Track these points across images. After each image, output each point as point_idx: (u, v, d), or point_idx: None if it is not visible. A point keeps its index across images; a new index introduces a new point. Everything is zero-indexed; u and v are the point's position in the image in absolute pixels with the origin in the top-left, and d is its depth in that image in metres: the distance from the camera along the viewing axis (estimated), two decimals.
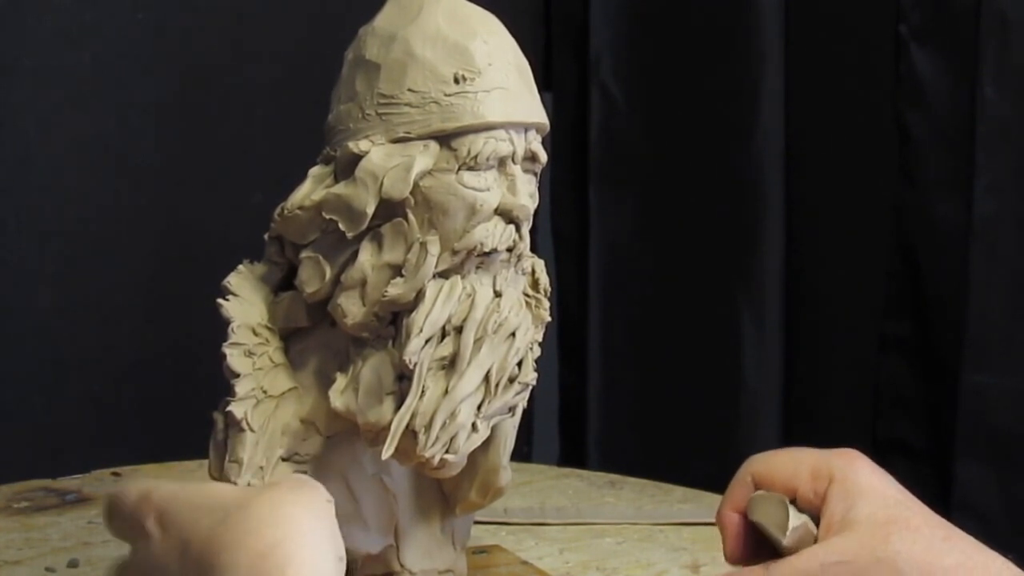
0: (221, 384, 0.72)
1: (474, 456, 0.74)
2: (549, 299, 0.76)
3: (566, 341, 1.60)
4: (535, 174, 0.72)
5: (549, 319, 0.76)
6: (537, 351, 0.74)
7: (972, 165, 1.33)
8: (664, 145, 1.53)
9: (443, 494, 0.79)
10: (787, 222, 1.48)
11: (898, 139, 1.39)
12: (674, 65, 1.52)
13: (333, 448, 0.74)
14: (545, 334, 0.76)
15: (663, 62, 1.52)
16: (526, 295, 0.75)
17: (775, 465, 0.72)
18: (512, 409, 0.73)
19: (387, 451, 0.67)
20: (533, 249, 0.77)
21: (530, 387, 0.73)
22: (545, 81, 1.56)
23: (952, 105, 1.36)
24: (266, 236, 0.74)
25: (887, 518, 0.67)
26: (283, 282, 0.75)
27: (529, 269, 0.75)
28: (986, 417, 1.35)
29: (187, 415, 0.85)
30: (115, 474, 1.07)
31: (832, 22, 1.45)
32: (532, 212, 0.71)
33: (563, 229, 1.59)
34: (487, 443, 0.74)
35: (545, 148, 0.72)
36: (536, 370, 0.73)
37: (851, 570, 0.66)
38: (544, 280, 0.76)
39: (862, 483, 0.69)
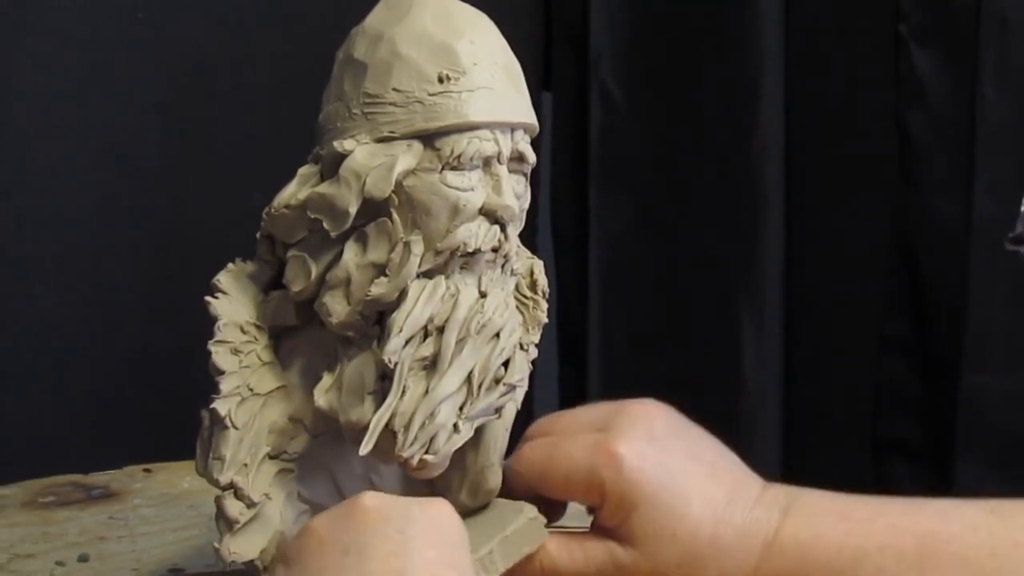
0: None
1: (463, 457, 0.74)
2: (548, 300, 0.77)
3: (566, 341, 1.60)
4: (524, 174, 0.72)
5: (546, 320, 0.76)
6: (534, 352, 0.74)
7: (972, 165, 1.33)
8: (664, 145, 1.53)
9: (434, 495, 0.79)
10: (787, 222, 1.48)
11: (898, 139, 1.39)
12: (674, 65, 1.51)
13: (321, 447, 0.74)
14: (545, 334, 0.76)
15: (663, 62, 1.52)
16: (524, 296, 0.75)
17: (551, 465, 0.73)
18: (498, 410, 0.73)
19: (364, 449, 0.67)
20: (533, 249, 0.77)
21: (517, 389, 0.72)
22: (545, 81, 1.55)
23: (952, 105, 1.36)
24: (258, 235, 0.75)
25: None
26: (274, 281, 0.75)
27: (526, 270, 0.76)
28: (986, 417, 1.34)
29: None
30: (146, 470, 1.08)
31: (832, 22, 1.45)
32: (518, 212, 0.71)
33: (563, 229, 1.59)
34: (476, 444, 0.74)
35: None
36: (533, 371, 0.74)
37: None
38: (543, 281, 0.76)
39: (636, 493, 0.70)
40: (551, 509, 0.75)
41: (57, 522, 0.96)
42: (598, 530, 0.72)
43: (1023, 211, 0.70)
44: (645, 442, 0.71)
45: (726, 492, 0.71)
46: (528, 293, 0.75)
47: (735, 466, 0.73)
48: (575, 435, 0.73)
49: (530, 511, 0.73)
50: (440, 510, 0.63)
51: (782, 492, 0.72)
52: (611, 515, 0.70)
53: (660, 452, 0.71)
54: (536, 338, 0.75)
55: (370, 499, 0.62)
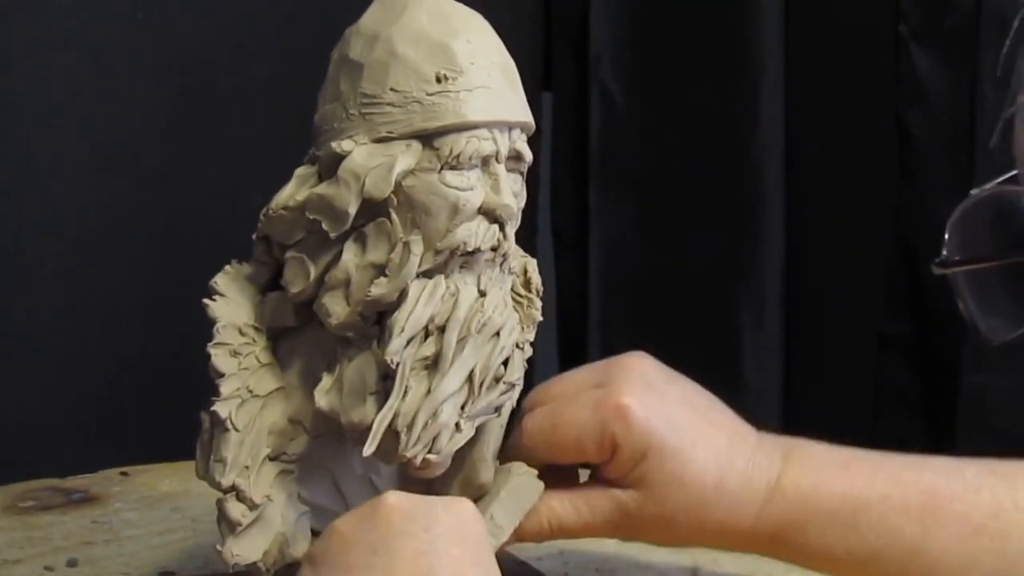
0: None
1: (460, 454, 0.74)
2: (543, 299, 0.77)
3: (566, 341, 1.60)
4: (521, 173, 0.73)
5: (541, 319, 0.76)
6: (529, 351, 0.75)
7: (972, 165, 1.33)
8: (664, 145, 1.53)
9: (427, 488, 0.79)
10: (787, 222, 1.48)
11: (898, 139, 1.39)
12: (674, 65, 1.51)
13: (321, 448, 0.74)
14: (545, 334, 0.76)
15: (663, 62, 1.52)
16: (518, 294, 0.75)
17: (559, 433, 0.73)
18: (498, 409, 0.73)
19: (368, 449, 0.67)
20: (532, 249, 0.77)
21: (517, 387, 0.73)
22: (545, 81, 1.55)
23: (952, 105, 1.36)
24: (254, 236, 0.75)
25: None
26: (271, 282, 0.75)
27: (519, 268, 0.76)
28: (986, 417, 1.35)
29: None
30: (123, 473, 1.08)
31: (832, 22, 1.45)
32: (516, 211, 0.71)
33: (563, 229, 1.59)
34: (473, 441, 0.74)
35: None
36: (527, 369, 0.74)
37: None
38: (536, 279, 0.76)
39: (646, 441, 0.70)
40: (563, 479, 0.74)
41: (40, 527, 0.96)
42: (600, 481, 0.72)
43: (947, 237, 0.71)
44: (645, 391, 0.71)
45: (726, 437, 0.71)
46: (522, 291, 0.76)
47: (727, 413, 0.73)
48: (574, 397, 0.73)
49: (519, 468, 0.73)
50: (463, 508, 0.64)
51: (779, 440, 0.73)
52: (620, 466, 0.70)
53: (661, 400, 0.71)
54: (531, 336, 0.75)
55: (394, 498, 0.63)
